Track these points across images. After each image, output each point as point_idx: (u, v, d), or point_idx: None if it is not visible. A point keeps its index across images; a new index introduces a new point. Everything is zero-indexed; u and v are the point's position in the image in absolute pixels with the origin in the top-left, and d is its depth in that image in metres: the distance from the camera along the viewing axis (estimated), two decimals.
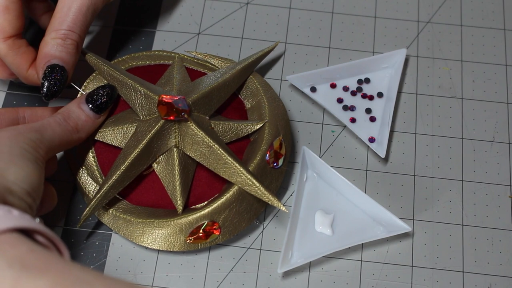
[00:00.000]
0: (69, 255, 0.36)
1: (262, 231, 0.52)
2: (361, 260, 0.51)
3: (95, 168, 0.51)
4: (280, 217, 0.52)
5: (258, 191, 0.47)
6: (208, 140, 0.47)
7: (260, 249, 0.51)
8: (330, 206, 0.52)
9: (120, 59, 0.55)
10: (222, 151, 0.47)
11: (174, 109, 0.47)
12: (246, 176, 0.47)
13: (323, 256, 0.50)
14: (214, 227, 0.48)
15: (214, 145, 0.47)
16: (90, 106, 0.49)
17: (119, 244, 0.51)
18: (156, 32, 0.60)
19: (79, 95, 0.51)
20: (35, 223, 0.35)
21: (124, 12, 0.61)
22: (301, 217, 0.52)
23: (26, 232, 0.35)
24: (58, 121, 0.46)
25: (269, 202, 0.47)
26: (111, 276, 0.33)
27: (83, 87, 0.52)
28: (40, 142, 0.43)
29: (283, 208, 0.46)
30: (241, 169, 0.47)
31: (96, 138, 0.50)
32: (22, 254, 0.32)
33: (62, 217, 0.52)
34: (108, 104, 0.49)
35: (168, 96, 0.47)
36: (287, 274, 0.50)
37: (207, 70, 0.55)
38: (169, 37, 0.60)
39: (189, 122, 0.48)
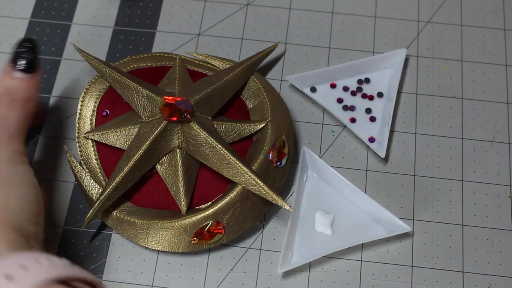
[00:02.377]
0: None
1: (262, 231, 0.52)
2: (361, 260, 0.51)
3: (98, 170, 0.51)
4: (280, 217, 0.52)
5: (262, 190, 0.47)
6: (211, 140, 0.47)
7: (260, 249, 0.51)
8: (330, 206, 0.52)
9: (121, 61, 0.55)
10: (225, 151, 0.47)
11: (177, 110, 0.47)
12: (249, 176, 0.47)
13: (323, 256, 0.50)
14: (219, 227, 0.48)
15: (217, 145, 0.47)
16: (22, 68, 0.45)
17: (119, 244, 0.51)
18: (156, 33, 0.60)
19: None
20: (65, 269, 0.33)
21: (124, 13, 0.61)
22: (301, 217, 0.52)
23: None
24: (8, 105, 0.44)
25: (273, 201, 0.47)
26: None
27: (81, 98, 0.53)
28: (12, 141, 0.42)
29: (287, 207, 0.46)
30: (245, 168, 0.47)
31: (98, 140, 0.50)
32: None
33: (62, 217, 0.52)
34: (36, 58, 0.46)
35: (171, 97, 0.47)
36: (287, 274, 0.50)
37: (208, 71, 0.55)
38: (169, 38, 0.60)
39: (192, 123, 0.47)
